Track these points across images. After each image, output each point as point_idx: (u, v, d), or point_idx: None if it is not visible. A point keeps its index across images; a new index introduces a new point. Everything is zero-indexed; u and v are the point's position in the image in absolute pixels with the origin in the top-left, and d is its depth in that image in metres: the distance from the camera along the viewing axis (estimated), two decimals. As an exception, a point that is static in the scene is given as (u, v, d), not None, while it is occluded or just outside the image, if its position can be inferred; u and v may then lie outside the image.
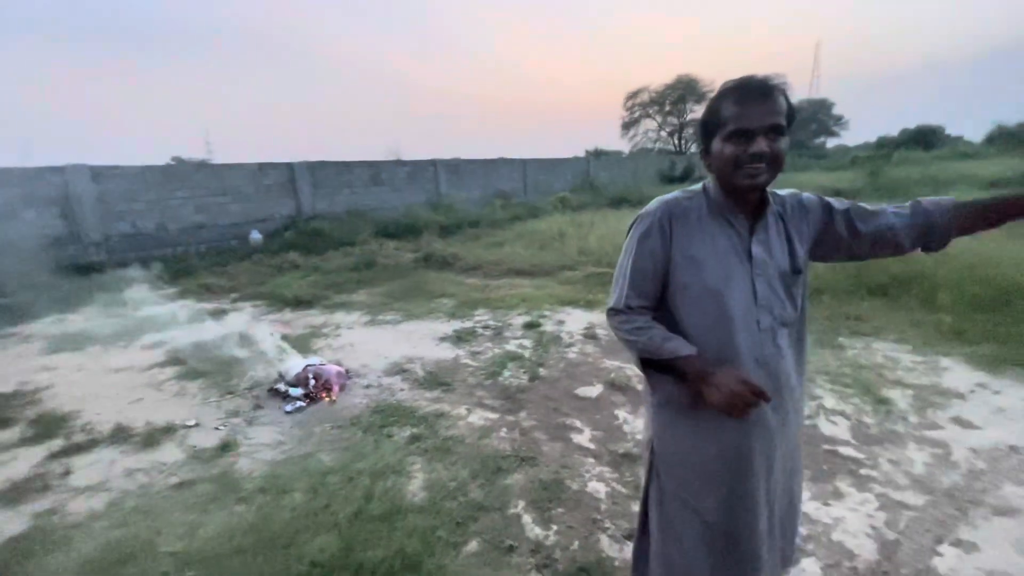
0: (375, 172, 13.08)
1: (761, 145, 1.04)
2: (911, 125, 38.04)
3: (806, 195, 1.26)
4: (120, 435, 3.02)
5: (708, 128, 1.13)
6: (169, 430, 3.06)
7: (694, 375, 1.12)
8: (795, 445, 1.33)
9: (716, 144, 1.10)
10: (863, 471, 2.36)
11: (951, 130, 42.00)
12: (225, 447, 2.84)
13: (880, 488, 2.23)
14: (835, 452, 2.52)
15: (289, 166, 11.49)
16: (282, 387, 3.52)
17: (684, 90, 37.46)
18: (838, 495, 2.20)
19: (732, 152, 1.07)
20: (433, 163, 14.41)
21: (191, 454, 2.79)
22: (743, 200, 1.14)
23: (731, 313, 1.13)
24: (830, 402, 3.00)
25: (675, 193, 1.23)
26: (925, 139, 37.78)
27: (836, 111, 45.75)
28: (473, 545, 2.02)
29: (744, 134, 1.04)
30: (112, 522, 2.24)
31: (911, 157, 23.63)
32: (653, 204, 1.21)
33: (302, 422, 3.11)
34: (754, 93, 1.04)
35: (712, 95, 1.13)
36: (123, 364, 4.28)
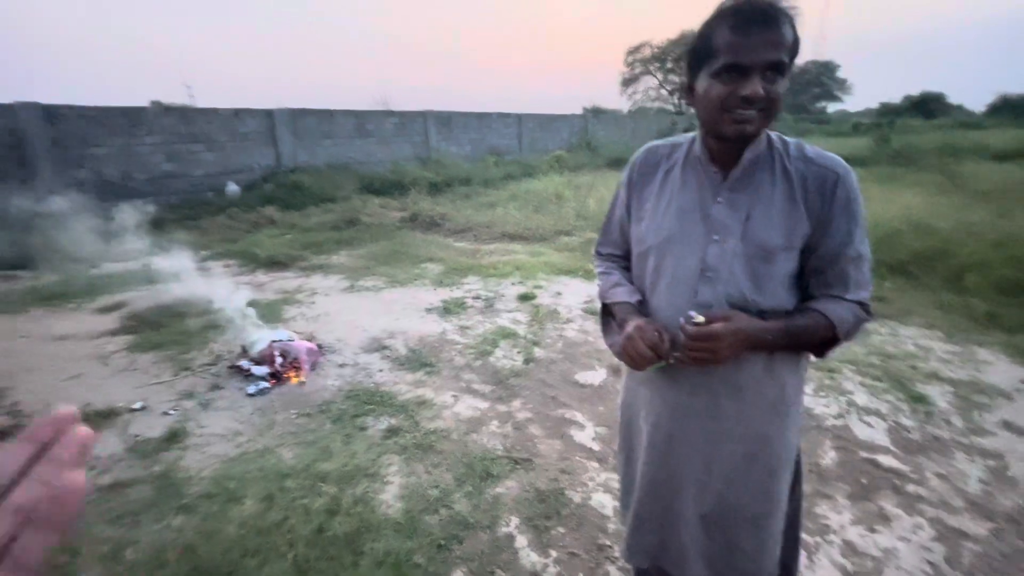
0: (361, 122, 12.26)
1: (756, 86, 0.83)
2: (912, 92, 37.10)
3: (838, 180, 0.91)
4: (51, 419, 2.61)
5: (696, 59, 0.91)
6: (110, 414, 2.65)
7: (619, 323, 1.08)
8: (748, 453, 1.02)
9: (703, 80, 0.90)
10: (910, 487, 2.04)
11: (952, 99, 41.10)
12: (172, 437, 2.45)
13: (933, 511, 1.92)
14: (875, 462, 2.20)
15: (268, 113, 10.66)
16: (245, 365, 3.11)
17: (687, 46, 35.85)
18: (884, 518, 1.89)
19: (720, 92, 0.86)
20: (423, 115, 13.56)
21: (131, 446, 2.40)
22: (725, 148, 0.94)
23: (665, 278, 1.01)
24: (862, 399, 2.67)
25: (666, 139, 1.11)
26: (927, 107, 36.98)
27: (840, 74, 44.40)
28: (456, 577, 1.68)
29: (737, 70, 0.84)
30: (23, 536, 1.86)
31: (912, 125, 22.97)
32: (639, 150, 1.13)
33: (264, 408, 2.73)
34: (755, 18, 0.82)
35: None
36: (69, 330, 3.83)
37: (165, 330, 3.76)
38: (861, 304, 0.96)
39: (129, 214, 8.26)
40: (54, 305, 4.40)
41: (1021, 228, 4.74)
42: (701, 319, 0.91)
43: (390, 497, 2.03)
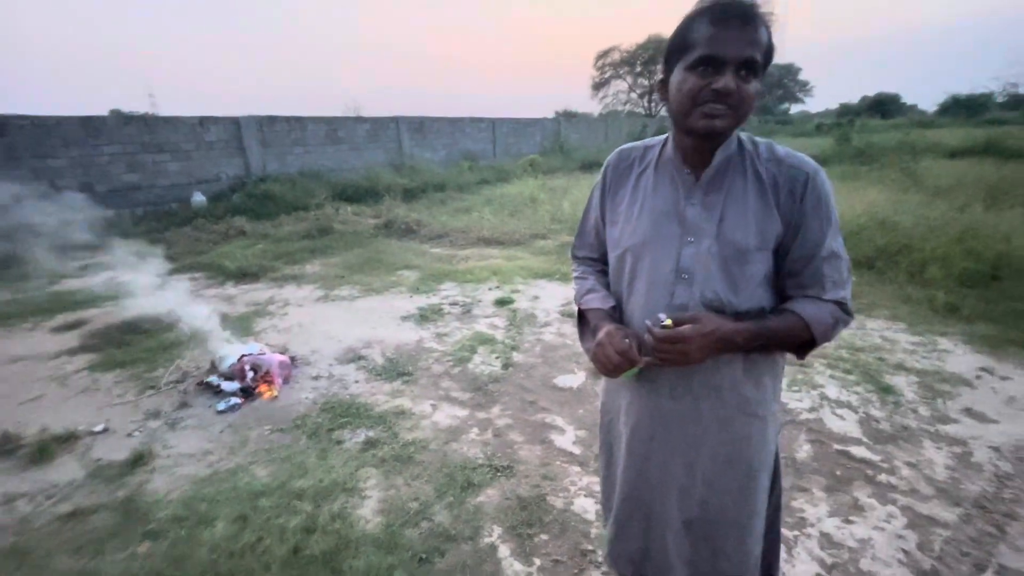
0: (332, 129, 12.08)
1: (728, 80, 0.83)
2: (868, 92, 38.86)
3: (807, 179, 0.92)
4: (5, 446, 2.47)
5: (672, 53, 0.92)
6: (69, 438, 2.52)
7: (592, 330, 1.08)
8: (729, 456, 1.02)
9: (677, 74, 0.90)
10: (881, 477, 2.09)
11: (906, 99, 43.07)
12: (137, 460, 2.35)
13: (904, 499, 1.97)
14: (847, 453, 2.25)
15: (235, 120, 10.41)
16: (214, 381, 3.01)
17: (655, 51, 36.57)
18: (859, 509, 1.93)
19: (693, 85, 0.86)
20: (395, 120, 13.45)
21: (92, 471, 2.29)
22: (697, 148, 0.94)
23: (641, 280, 1.01)
24: (833, 391, 2.74)
25: (638, 142, 1.11)
26: (884, 107, 38.64)
27: (802, 77, 45.93)
28: (439, 591, 1.64)
29: (712, 63, 0.84)
30: (-26, 573, 1.75)
31: (870, 125, 23.92)
32: (612, 153, 1.13)
33: (236, 424, 2.64)
34: (732, 15, 0.83)
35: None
36: (25, 351, 3.64)
37: (128, 348, 3.62)
38: (839, 304, 0.95)
39: (90, 227, 7.95)
40: (8, 325, 4.18)
41: (978, 222, 4.95)
42: (668, 321, 0.90)
43: (369, 512, 1.98)
